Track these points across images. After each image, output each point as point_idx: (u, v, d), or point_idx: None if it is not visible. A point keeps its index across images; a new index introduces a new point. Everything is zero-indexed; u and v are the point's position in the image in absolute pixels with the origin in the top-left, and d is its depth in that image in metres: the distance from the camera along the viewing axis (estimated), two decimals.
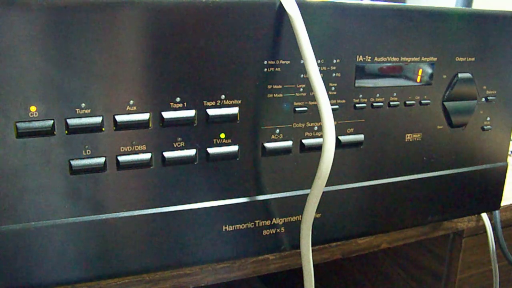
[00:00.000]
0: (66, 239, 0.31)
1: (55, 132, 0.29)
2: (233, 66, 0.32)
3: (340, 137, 0.37)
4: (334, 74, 0.35)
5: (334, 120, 0.33)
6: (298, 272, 0.39)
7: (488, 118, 0.43)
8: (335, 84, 0.36)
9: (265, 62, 0.33)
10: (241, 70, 0.32)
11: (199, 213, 0.34)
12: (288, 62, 0.34)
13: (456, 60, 0.40)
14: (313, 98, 0.35)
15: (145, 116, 0.31)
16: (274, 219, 0.36)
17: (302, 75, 0.34)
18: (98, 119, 0.30)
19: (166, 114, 0.31)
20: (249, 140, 0.34)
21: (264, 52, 0.33)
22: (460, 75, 0.41)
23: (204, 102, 0.32)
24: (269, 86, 0.34)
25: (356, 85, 0.36)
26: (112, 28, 0.29)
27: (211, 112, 0.32)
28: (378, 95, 0.38)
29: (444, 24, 0.38)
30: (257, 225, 0.36)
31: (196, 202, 0.34)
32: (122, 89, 0.30)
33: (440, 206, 0.43)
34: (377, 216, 0.41)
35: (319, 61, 0.34)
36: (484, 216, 0.51)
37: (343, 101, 0.36)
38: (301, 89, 0.35)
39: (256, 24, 0.32)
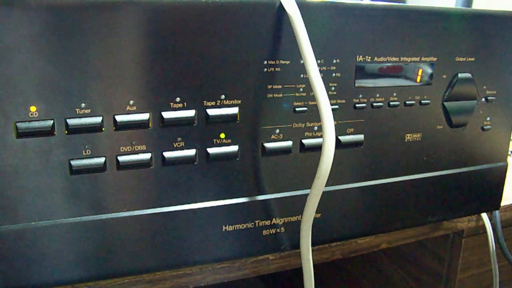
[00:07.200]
0: (66, 239, 0.31)
1: (55, 132, 0.29)
2: (233, 66, 0.32)
3: (340, 137, 0.37)
4: (334, 74, 0.35)
5: (334, 120, 0.33)
6: (298, 272, 0.39)
7: (488, 118, 0.43)
8: (335, 84, 0.36)
9: (265, 62, 0.33)
10: (241, 70, 0.32)
11: (199, 213, 0.34)
12: (288, 62, 0.34)
13: (456, 60, 0.40)
14: (313, 98, 0.35)
15: (145, 116, 0.31)
16: (274, 219, 0.36)
17: (302, 75, 0.34)
18: (98, 119, 0.30)
19: (166, 114, 0.31)
20: (249, 140, 0.34)
21: (264, 52, 0.33)
22: (460, 75, 0.41)
23: (204, 102, 0.32)
24: (269, 86, 0.34)
25: (356, 85, 0.36)
26: (112, 28, 0.29)
27: (211, 112, 0.32)
28: (378, 95, 0.38)
29: (444, 24, 0.38)
30: (257, 225, 0.36)
31: (196, 202, 0.34)
32: (122, 89, 0.30)
33: (440, 206, 0.43)
34: (377, 216, 0.41)
35: (319, 61, 0.34)
36: (484, 216, 0.51)
37: (343, 101, 0.36)
38: (301, 89, 0.35)
39: (256, 24, 0.32)
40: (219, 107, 0.32)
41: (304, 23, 0.31)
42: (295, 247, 0.37)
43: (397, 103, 0.39)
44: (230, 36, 0.31)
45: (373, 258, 0.67)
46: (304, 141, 0.36)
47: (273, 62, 0.33)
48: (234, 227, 0.35)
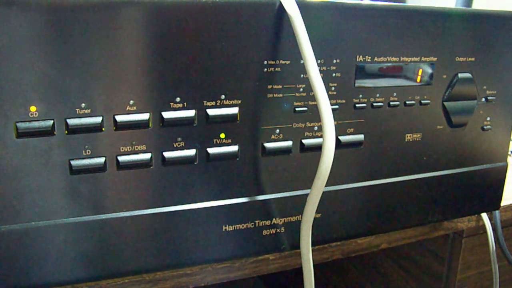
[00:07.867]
0: (66, 239, 0.31)
1: (55, 132, 0.29)
2: (233, 66, 0.32)
3: (340, 137, 0.37)
4: (334, 74, 0.35)
5: (334, 120, 0.33)
6: (298, 272, 0.39)
7: (488, 118, 0.43)
8: (335, 84, 0.36)
9: (265, 62, 0.33)
10: (241, 70, 0.32)
11: (199, 213, 0.34)
12: (288, 62, 0.34)
13: (456, 60, 0.40)
14: (313, 98, 0.35)
15: (145, 116, 0.31)
16: (274, 219, 0.36)
17: (302, 75, 0.34)
18: (98, 119, 0.30)
19: (166, 114, 0.31)
20: (249, 140, 0.34)
21: (264, 52, 0.33)
22: (460, 75, 0.41)
23: (204, 102, 0.32)
24: (269, 86, 0.34)
25: (356, 85, 0.36)
26: (112, 28, 0.29)
27: (211, 112, 0.32)
28: (378, 95, 0.38)
29: (444, 24, 0.38)
30: (257, 225, 0.36)
31: (196, 202, 0.34)
32: (122, 89, 0.30)
33: (440, 206, 0.43)
34: (377, 216, 0.41)
35: (319, 61, 0.34)
36: (484, 216, 0.51)
37: (343, 101, 0.36)
38: (301, 89, 0.35)
39: (256, 24, 0.32)
40: (219, 107, 0.32)
41: (304, 23, 0.31)
42: (295, 247, 0.37)
43: (397, 103, 0.39)
44: (230, 36, 0.31)
45: (373, 258, 0.67)
46: (304, 141, 0.36)
47: (273, 62, 0.33)
48: (234, 227, 0.35)
